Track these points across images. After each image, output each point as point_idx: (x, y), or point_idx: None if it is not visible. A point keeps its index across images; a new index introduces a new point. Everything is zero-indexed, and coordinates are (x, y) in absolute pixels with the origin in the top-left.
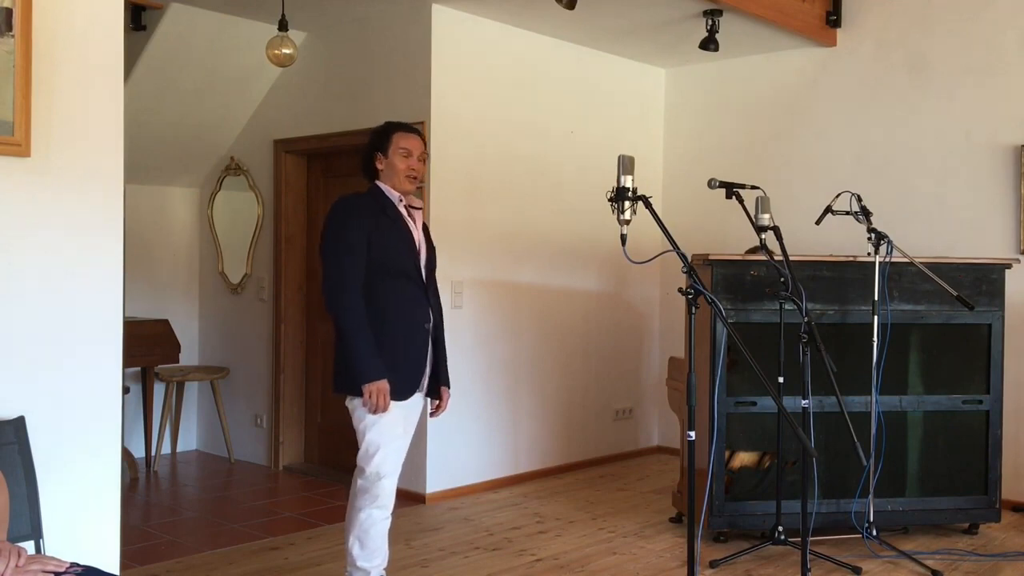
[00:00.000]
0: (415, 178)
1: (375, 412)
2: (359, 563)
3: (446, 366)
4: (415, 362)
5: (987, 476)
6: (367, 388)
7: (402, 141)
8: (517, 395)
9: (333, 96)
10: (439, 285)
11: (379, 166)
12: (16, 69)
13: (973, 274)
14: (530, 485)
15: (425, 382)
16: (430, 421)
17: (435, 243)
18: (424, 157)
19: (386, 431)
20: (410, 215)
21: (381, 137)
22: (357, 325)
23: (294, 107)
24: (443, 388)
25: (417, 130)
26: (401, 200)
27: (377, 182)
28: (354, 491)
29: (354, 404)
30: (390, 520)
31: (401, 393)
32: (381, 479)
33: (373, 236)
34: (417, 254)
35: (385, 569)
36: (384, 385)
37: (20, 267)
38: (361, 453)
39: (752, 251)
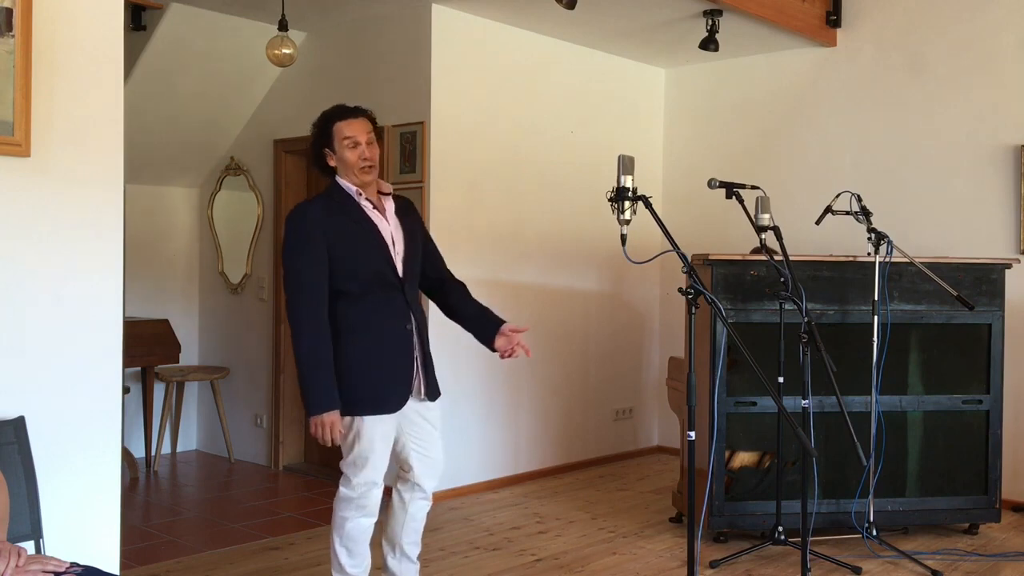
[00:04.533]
0: (371, 167)
1: (325, 444)
2: (348, 570)
3: (490, 312)
4: (401, 370)
5: (987, 476)
6: (313, 421)
7: (345, 130)
8: (517, 395)
9: (333, 96)
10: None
11: (331, 163)
12: (16, 69)
13: (973, 274)
14: (530, 485)
15: (421, 385)
16: None
17: (436, 243)
18: (373, 140)
19: (377, 442)
20: (377, 206)
21: (322, 132)
22: (311, 350)
23: (294, 107)
24: (503, 327)
25: (360, 110)
26: (360, 193)
27: (337, 178)
28: (339, 500)
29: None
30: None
31: (391, 405)
32: (372, 489)
33: (334, 243)
34: (388, 248)
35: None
36: (333, 418)
37: (20, 267)
38: (348, 462)
39: (757, 252)
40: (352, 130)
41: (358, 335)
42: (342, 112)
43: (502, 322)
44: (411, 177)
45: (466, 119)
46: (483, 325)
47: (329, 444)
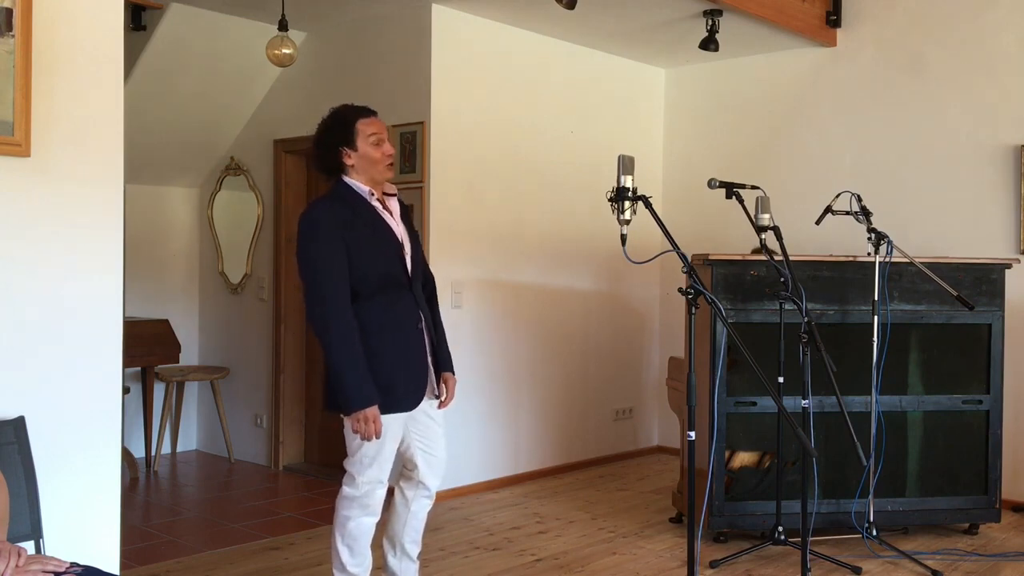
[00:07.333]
0: (393, 164)
1: (367, 440)
2: (350, 568)
3: (447, 349)
4: (417, 369)
5: (987, 476)
6: (355, 416)
7: (369, 127)
8: (517, 395)
9: (333, 96)
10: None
11: (348, 161)
12: (16, 69)
13: (973, 274)
14: (530, 485)
15: (432, 384)
16: None
17: (435, 244)
18: (390, 137)
19: (387, 441)
20: (385, 206)
21: (342, 128)
22: (344, 348)
23: (294, 107)
24: (446, 375)
25: (373, 110)
26: (372, 194)
27: (344, 178)
28: (342, 498)
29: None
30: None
31: (407, 404)
32: (377, 488)
33: (350, 245)
34: (401, 249)
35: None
36: (374, 412)
37: (20, 267)
38: (354, 461)
39: (757, 252)
40: (376, 127)
41: (371, 335)
42: (362, 110)
43: (449, 368)
44: (411, 177)
45: (466, 119)
46: (434, 359)
47: (372, 439)
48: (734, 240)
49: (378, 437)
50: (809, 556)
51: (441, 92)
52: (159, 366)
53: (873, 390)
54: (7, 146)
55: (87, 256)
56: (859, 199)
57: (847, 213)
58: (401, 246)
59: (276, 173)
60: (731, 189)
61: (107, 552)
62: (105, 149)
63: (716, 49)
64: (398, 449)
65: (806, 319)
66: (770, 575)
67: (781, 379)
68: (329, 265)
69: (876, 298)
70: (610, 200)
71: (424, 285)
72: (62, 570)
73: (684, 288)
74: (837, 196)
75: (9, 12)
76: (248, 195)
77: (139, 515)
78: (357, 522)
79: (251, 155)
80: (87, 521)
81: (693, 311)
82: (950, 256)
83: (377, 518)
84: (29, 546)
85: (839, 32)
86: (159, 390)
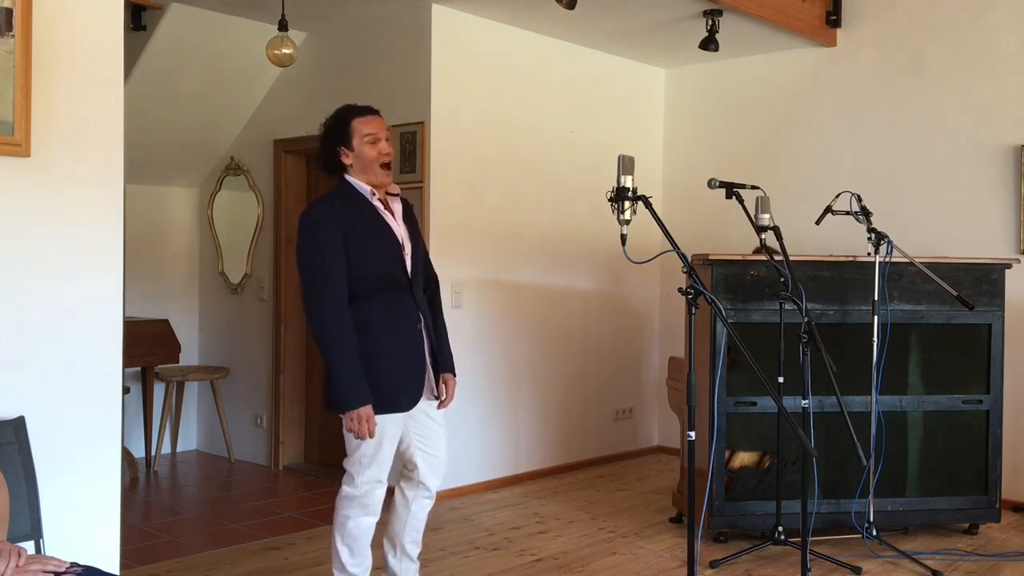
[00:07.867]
0: (389, 164)
1: (360, 439)
2: (350, 569)
3: (448, 350)
4: (415, 369)
5: (987, 476)
6: (349, 415)
7: (365, 127)
8: (517, 395)
9: (333, 96)
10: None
11: (346, 161)
12: (16, 69)
13: (973, 274)
14: (530, 485)
15: (431, 384)
16: None
17: (435, 244)
18: (390, 138)
19: (385, 441)
20: (387, 206)
21: (338, 128)
22: (339, 347)
23: (294, 107)
24: (446, 376)
25: (375, 109)
26: (374, 194)
27: (346, 176)
28: (342, 498)
29: None
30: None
31: (403, 405)
32: (376, 488)
33: (350, 245)
34: (401, 249)
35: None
36: (367, 411)
37: (20, 267)
38: (353, 461)
39: (757, 252)
40: (372, 127)
41: (370, 335)
42: (360, 109)
43: (450, 368)
44: (411, 177)
45: (466, 119)
46: (434, 359)
47: (366, 438)
48: (734, 240)
49: (371, 436)
50: (809, 556)
51: (441, 92)
52: (159, 366)
53: (873, 390)
54: (7, 146)
55: (87, 256)
56: (859, 199)
57: (847, 213)
58: (401, 247)
59: (276, 173)
60: (731, 189)
61: (107, 552)
62: (105, 149)
63: (716, 49)
64: (398, 449)
65: (806, 319)
66: (770, 575)
67: (781, 379)
68: (328, 265)
69: (876, 298)
70: (610, 200)
71: (426, 286)
72: (62, 570)
73: (684, 288)
74: (837, 196)
75: (9, 12)
76: (248, 195)
77: (139, 515)
78: (357, 522)
79: (251, 155)
80: (87, 521)
81: (693, 311)
82: (950, 256)
83: (377, 518)
84: (29, 546)
85: (839, 32)
86: (159, 390)
